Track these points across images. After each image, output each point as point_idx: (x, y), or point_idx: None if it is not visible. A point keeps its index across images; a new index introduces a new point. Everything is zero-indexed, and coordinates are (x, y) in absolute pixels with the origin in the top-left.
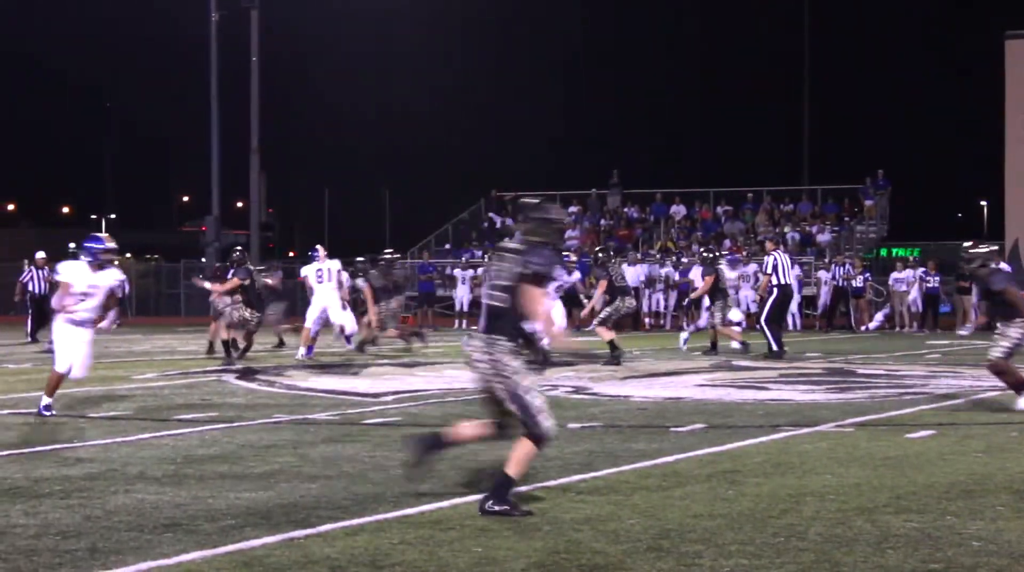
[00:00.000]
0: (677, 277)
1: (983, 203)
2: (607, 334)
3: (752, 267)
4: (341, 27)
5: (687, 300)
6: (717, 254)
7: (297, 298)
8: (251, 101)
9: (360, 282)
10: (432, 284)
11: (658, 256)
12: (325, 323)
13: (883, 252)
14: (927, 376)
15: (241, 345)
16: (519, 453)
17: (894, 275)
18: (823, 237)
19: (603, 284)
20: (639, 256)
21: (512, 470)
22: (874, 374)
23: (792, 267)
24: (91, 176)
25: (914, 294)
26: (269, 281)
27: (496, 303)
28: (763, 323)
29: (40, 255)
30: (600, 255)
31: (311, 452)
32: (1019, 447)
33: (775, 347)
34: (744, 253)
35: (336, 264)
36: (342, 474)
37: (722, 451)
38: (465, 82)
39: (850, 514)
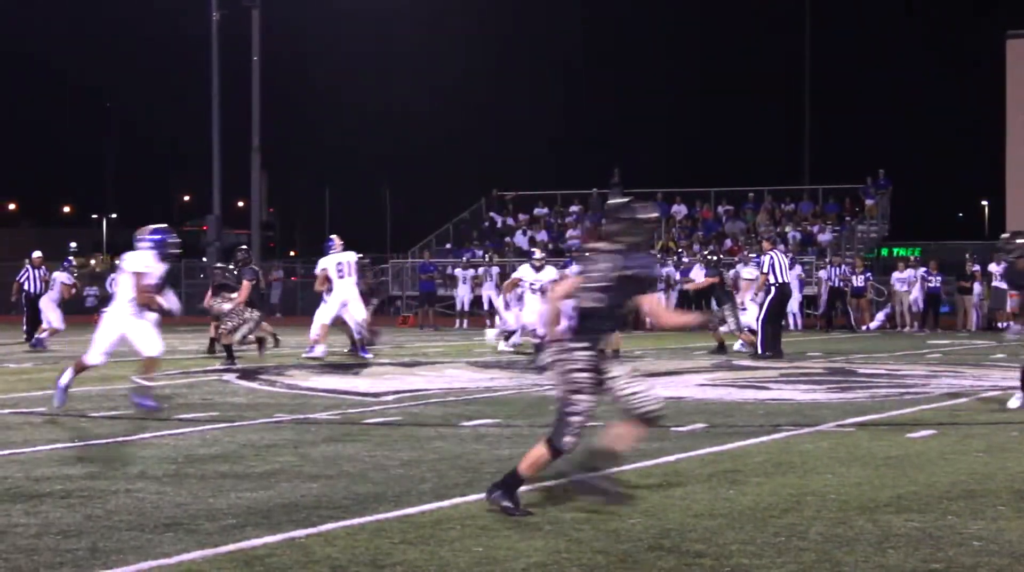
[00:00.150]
0: (678, 277)
1: (984, 203)
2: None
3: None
4: (342, 26)
5: (687, 287)
6: (721, 257)
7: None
8: (252, 100)
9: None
10: (433, 283)
11: (659, 256)
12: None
13: (884, 252)
14: (928, 376)
15: (268, 342)
16: (535, 455)
17: (896, 275)
18: (824, 237)
19: None
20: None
21: (524, 468)
22: (875, 374)
23: (792, 267)
24: (92, 176)
25: (915, 294)
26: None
27: (590, 304)
28: (759, 323)
29: (36, 254)
30: None
31: (312, 451)
32: (1020, 447)
33: (760, 350)
34: (744, 253)
35: (353, 256)
36: (343, 474)
37: (723, 451)
38: (465, 82)
39: (851, 514)
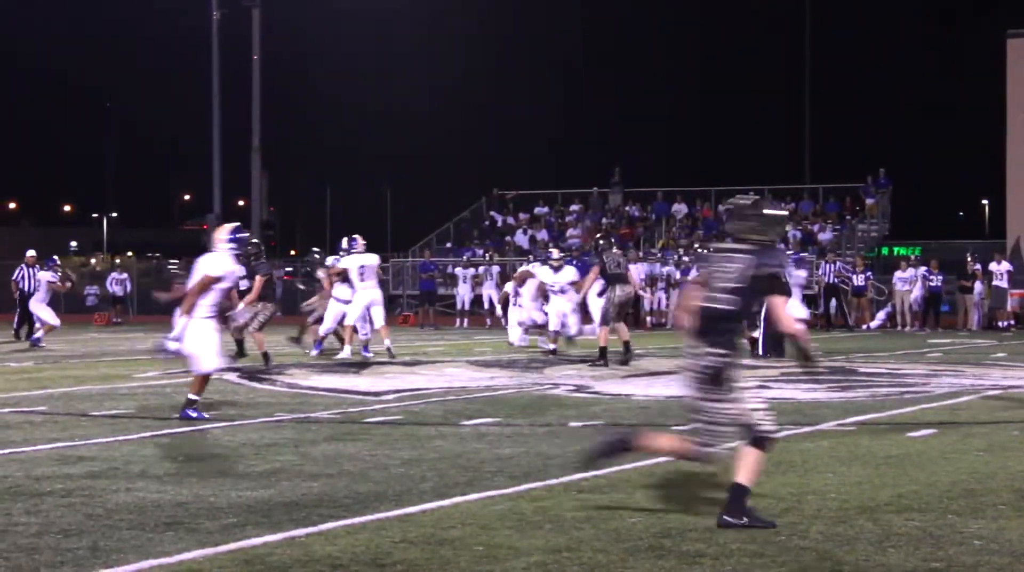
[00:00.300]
0: (679, 276)
1: (984, 202)
2: (609, 335)
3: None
4: (342, 26)
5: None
6: None
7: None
8: (252, 99)
9: (321, 273)
10: (433, 283)
11: (660, 255)
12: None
13: (884, 251)
14: (928, 375)
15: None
16: (746, 461)
17: (898, 274)
18: (824, 236)
19: (595, 270)
20: (640, 254)
21: (743, 478)
22: (876, 373)
23: (799, 268)
24: (92, 175)
25: (916, 293)
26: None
27: (717, 306)
28: (760, 322)
29: (30, 253)
30: (601, 242)
31: (312, 450)
32: (1020, 446)
33: (761, 350)
34: None
35: (376, 258)
36: (343, 472)
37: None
38: (465, 82)
39: (851, 513)
